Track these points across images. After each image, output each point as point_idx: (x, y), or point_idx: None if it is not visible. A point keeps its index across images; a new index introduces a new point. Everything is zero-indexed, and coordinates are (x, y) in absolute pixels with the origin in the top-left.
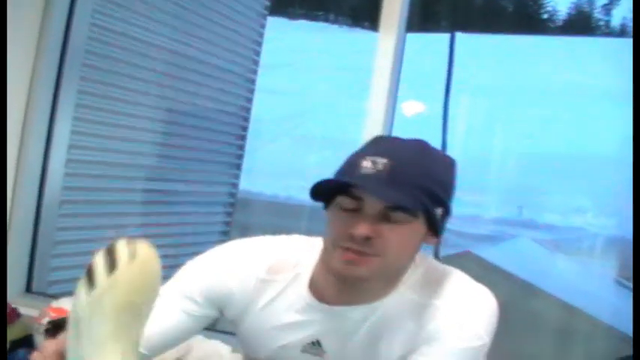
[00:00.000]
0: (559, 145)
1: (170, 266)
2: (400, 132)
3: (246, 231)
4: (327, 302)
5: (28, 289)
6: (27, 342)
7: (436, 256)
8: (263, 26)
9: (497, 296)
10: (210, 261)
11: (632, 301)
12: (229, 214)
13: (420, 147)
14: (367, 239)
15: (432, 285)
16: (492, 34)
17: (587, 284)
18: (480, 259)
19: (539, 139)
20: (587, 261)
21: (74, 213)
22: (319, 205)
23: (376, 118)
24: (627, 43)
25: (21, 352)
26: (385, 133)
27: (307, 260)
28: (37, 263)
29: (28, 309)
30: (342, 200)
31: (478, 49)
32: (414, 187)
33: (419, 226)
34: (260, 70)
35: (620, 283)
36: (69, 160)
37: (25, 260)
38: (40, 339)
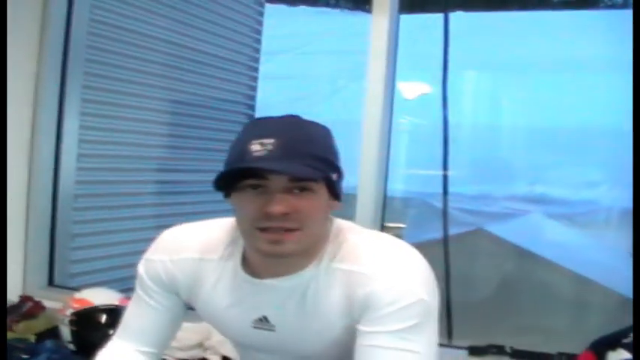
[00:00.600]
0: (568, 118)
1: None
2: (404, 114)
3: None
4: (259, 277)
5: (51, 282)
6: (53, 333)
7: (445, 236)
8: (261, 14)
9: (510, 271)
10: (151, 253)
11: (633, 301)
12: None
13: (296, 121)
14: (284, 215)
15: (356, 252)
16: (495, 11)
17: (600, 256)
18: (492, 236)
19: (547, 113)
20: (601, 234)
21: (89, 206)
22: None
23: (375, 100)
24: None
25: (48, 342)
26: (385, 115)
27: (239, 239)
28: (57, 257)
29: (51, 302)
30: (245, 184)
31: (481, 26)
32: (307, 157)
33: (323, 192)
34: (263, 58)
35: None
36: (80, 155)
37: (46, 254)
38: (64, 330)
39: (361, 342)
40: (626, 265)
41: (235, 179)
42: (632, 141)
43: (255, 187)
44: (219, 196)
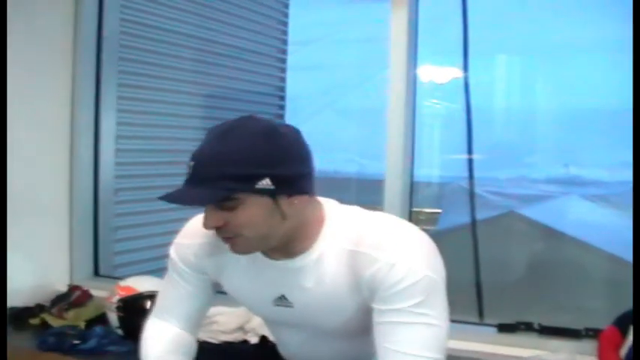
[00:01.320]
0: (601, 100)
1: None
2: (437, 98)
3: None
4: (272, 257)
5: (96, 273)
6: (101, 320)
7: (473, 219)
8: (286, 5)
9: (543, 252)
10: (181, 238)
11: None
12: None
13: (224, 134)
14: (216, 228)
15: (356, 230)
16: None
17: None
18: (525, 218)
19: (580, 95)
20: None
21: (129, 199)
22: (366, 176)
23: (397, 87)
24: None
25: (97, 328)
26: (408, 101)
27: None
28: (101, 249)
29: (97, 291)
30: None
31: (510, 9)
32: (212, 179)
33: (256, 201)
34: (291, 48)
35: None
36: (118, 150)
37: (90, 247)
38: (112, 316)
39: (377, 319)
40: None
41: None
42: (632, 140)
43: None
44: None
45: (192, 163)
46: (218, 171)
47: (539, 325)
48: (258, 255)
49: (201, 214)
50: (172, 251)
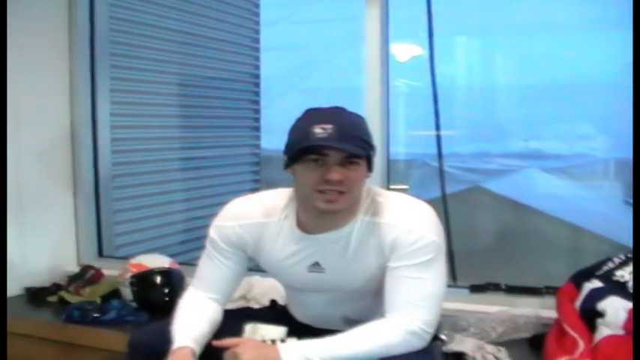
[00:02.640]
0: (559, 75)
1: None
2: (399, 77)
3: (274, 186)
4: (310, 233)
5: (100, 253)
6: (115, 295)
7: (443, 193)
8: None
9: (507, 223)
10: (221, 220)
11: (633, 297)
12: (256, 172)
13: (343, 111)
14: (339, 182)
15: (380, 207)
16: None
17: (595, 207)
18: (489, 192)
19: (539, 71)
20: (595, 185)
21: (125, 185)
22: None
23: (373, 66)
24: None
25: (114, 302)
26: (383, 79)
27: (290, 205)
28: (103, 231)
29: (105, 270)
30: (309, 158)
31: None
32: (357, 139)
33: (364, 165)
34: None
35: (628, 203)
36: (113, 139)
37: (94, 230)
38: (126, 291)
39: (390, 274)
40: (619, 213)
41: (300, 155)
42: (633, 141)
43: (316, 160)
44: (233, 168)
45: (330, 126)
46: (357, 135)
47: (506, 285)
48: (296, 232)
49: (237, 198)
50: (213, 232)
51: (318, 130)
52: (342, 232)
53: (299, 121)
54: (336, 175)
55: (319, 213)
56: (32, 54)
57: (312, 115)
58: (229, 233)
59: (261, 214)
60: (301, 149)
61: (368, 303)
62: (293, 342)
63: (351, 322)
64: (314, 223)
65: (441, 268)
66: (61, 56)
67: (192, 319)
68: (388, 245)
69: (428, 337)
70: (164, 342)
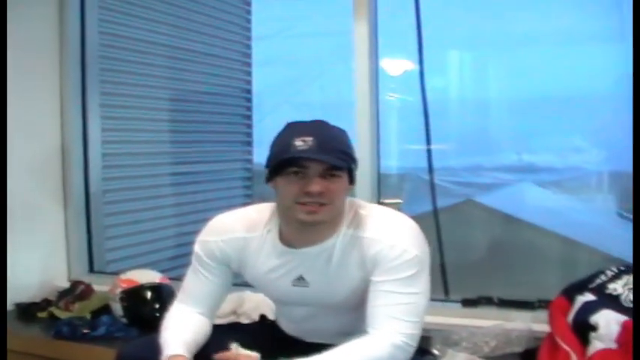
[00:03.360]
0: (551, 88)
1: None
2: (391, 91)
3: (266, 201)
4: (293, 247)
5: (91, 269)
6: (105, 311)
7: (435, 207)
8: (249, 3)
9: (499, 237)
10: (205, 235)
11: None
12: (249, 187)
13: (325, 124)
14: (320, 194)
15: (363, 221)
16: None
17: (588, 219)
18: (482, 206)
19: (530, 85)
20: (589, 198)
21: (116, 200)
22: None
23: (363, 80)
24: None
25: (104, 317)
26: (372, 93)
27: (273, 219)
28: (94, 246)
29: (95, 285)
30: (290, 170)
31: (460, 3)
32: (338, 152)
33: (345, 178)
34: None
35: (621, 216)
36: (104, 154)
37: (84, 245)
38: (116, 306)
39: (373, 288)
40: (612, 225)
41: (280, 167)
42: (632, 142)
43: (296, 173)
44: (225, 182)
45: (310, 138)
46: (337, 147)
47: (498, 298)
48: (279, 246)
49: (221, 214)
50: (197, 247)
51: (298, 143)
52: (325, 245)
53: (280, 134)
54: (316, 186)
55: (301, 225)
56: (23, 68)
57: (293, 128)
58: (213, 248)
59: (244, 228)
60: (281, 161)
61: (355, 316)
62: None
63: (340, 335)
64: (296, 236)
65: (424, 282)
66: (51, 71)
67: (182, 330)
68: (370, 259)
69: (411, 351)
70: (152, 355)
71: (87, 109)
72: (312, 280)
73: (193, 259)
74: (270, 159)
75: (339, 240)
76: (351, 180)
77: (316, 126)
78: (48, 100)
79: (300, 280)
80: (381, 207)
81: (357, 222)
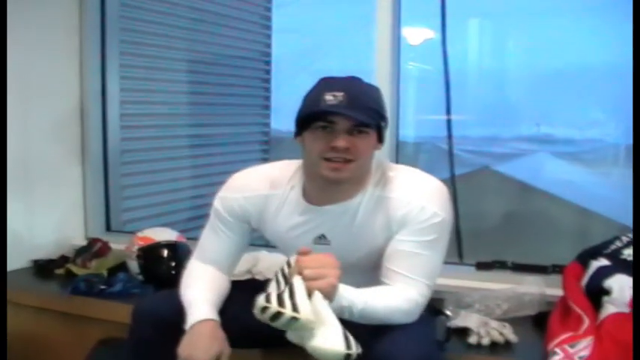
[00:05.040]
0: (570, 60)
1: None
2: (410, 60)
3: None
4: (317, 204)
5: (108, 228)
6: (121, 268)
7: (452, 174)
8: None
9: (515, 205)
10: (226, 192)
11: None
12: (266, 151)
13: (357, 81)
14: (346, 149)
15: (391, 182)
16: None
17: (604, 191)
18: (498, 174)
19: (550, 56)
20: (607, 171)
21: (134, 160)
22: None
23: (383, 48)
24: None
25: (120, 274)
26: (393, 62)
27: (297, 176)
28: (111, 206)
29: (112, 244)
30: (317, 125)
31: None
32: (367, 109)
33: (373, 136)
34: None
35: None
36: (122, 115)
37: (102, 205)
38: (132, 264)
39: (394, 246)
40: (629, 198)
41: (308, 121)
42: (633, 141)
43: (324, 127)
44: (242, 146)
45: (341, 94)
46: (367, 104)
47: (512, 262)
48: (302, 203)
49: (243, 170)
50: (217, 203)
51: (328, 97)
52: (349, 204)
53: (312, 88)
54: (342, 142)
55: (325, 183)
56: (42, 28)
57: (325, 83)
58: (233, 205)
59: (266, 186)
60: (310, 115)
61: (372, 275)
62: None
63: None
64: (320, 193)
65: (444, 245)
66: (71, 31)
67: (206, 290)
68: (397, 220)
69: (419, 311)
70: (168, 310)
71: (106, 69)
72: (333, 238)
73: (212, 215)
74: (299, 113)
75: (364, 199)
76: (380, 138)
77: (348, 81)
78: (67, 59)
79: (322, 239)
80: (410, 168)
81: (384, 182)
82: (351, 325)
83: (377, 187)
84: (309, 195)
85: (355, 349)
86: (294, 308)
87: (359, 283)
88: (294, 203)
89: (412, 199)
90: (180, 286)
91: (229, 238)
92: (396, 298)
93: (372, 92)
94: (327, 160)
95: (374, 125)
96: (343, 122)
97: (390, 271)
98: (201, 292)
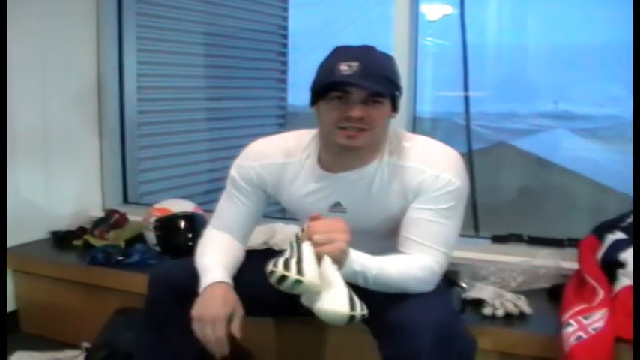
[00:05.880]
0: (589, 36)
1: None
2: (428, 36)
3: None
4: (332, 172)
5: (125, 200)
6: (138, 239)
7: (469, 149)
8: None
9: (532, 179)
10: (242, 160)
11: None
12: (282, 125)
13: (372, 50)
14: (361, 119)
15: (407, 151)
16: None
17: (621, 168)
18: (515, 149)
19: (569, 32)
20: (623, 147)
21: (150, 133)
22: None
23: (402, 23)
24: None
25: (138, 245)
26: (411, 37)
27: (312, 144)
28: (128, 179)
29: (129, 216)
30: (332, 95)
31: None
32: (382, 78)
33: (387, 105)
34: None
35: None
36: (139, 87)
37: (119, 177)
38: (149, 235)
39: (411, 215)
40: None
41: (323, 91)
42: (633, 140)
43: (339, 97)
44: (259, 120)
45: (356, 63)
46: (382, 73)
47: (528, 236)
48: (317, 170)
49: (260, 139)
50: (234, 171)
51: (343, 67)
52: (365, 171)
53: (326, 57)
54: (357, 112)
55: (340, 150)
56: (60, 1)
57: (340, 52)
58: (250, 173)
59: (281, 154)
60: (325, 85)
61: (386, 243)
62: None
63: None
64: (336, 160)
65: (460, 214)
66: (88, 3)
67: (220, 255)
68: (413, 189)
69: (437, 280)
70: (183, 275)
71: (123, 41)
72: (349, 206)
73: (228, 183)
74: (314, 82)
75: (380, 167)
76: (395, 107)
77: (363, 51)
78: (85, 31)
79: (337, 206)
80: (425, 138)
81: (400, 151)
82: (368, 292)
83: (392, 156)
84: (324, 162)
85: (360, 310)
86: (299, 271)
87: (374, 251)
88: (310, 171)
89: (427, 167)
90: (195, 254)
91: (245, 205)
92: (411, 265)
93: (387, 61)
94: (342, 128)
95: (388, 95)
96: (358, 92)
97: (407, 240)
98: (215, 257)
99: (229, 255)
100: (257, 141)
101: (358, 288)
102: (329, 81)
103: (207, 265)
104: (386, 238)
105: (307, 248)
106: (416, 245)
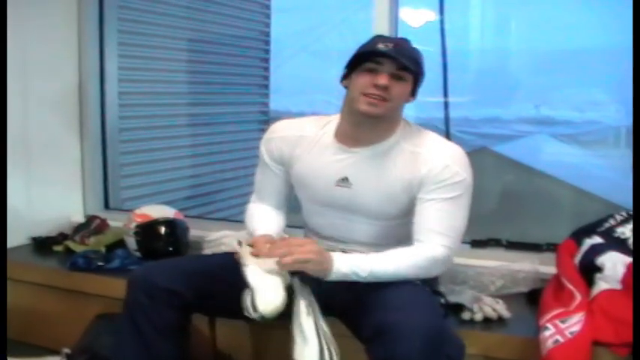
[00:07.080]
0: (571, 40)
1: (219, 178)
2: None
3: None
4: (347, 145)
5: (107, 206)
6: (119, 245)
7: None
8: None
9: (513, 185)
10: (268, 134)
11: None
12: (264, 131)
13: (408, 41)
14: (385, 88)
15: (417, 137)
16: None
17: (603, 173)
18: (497, 154)
19: (551, 36)
20: (606, 153)
21: (132, 138)
22: None
23: (381, 27)
24: None
25: (119, 251)
26: None
27: (330, 124)
28: (110, 184)
29: (110, 222)
30: (365, 67)
31: None
32: (412, 59)
33: (409, 85)
34: None
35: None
36: (121, 93)
37: (100, 183)
38: (130, 240)
39: (420, 204)
40: (628, 179)
41: (358, 62)
42: (633, 139)
43: (370, 70)
44: (241, 126)
45: (392, 44)
46: (413, 56)
47: (507, 241)
48: (333, 142)
49: (283, 120)
50: (262, 146)
51: (381, 45)
52: (378, 148)
53: (367, 41)
54: (384, 79)
55: (360, 120)
56: (41, 6)
57: (379, 37)
58: (271, 145)
59: (300, 128)
60: (360, 55)
61: (380, 229)
62: (341, 255)
63: (364, 247)
64: (353, 133)
65: (466, 205)
66: (70, 8)
67: (263, 223)
68: (421, 175)
69: (447, 266)
70: (160, 276)
71: (104, 46)
72: (355, 182)
73: (260, 158)
74: (350, 59)
75: (393, 148)
76: (414, 92)
77: (400, 39)
78: (66, 37)
79: (344, 181)
80: (433, 132)
81: (412, 137)
82: (356, 296)
83: (406, 140)
84: (341, 136)
85: None
86: (255, 309)
87: (371, 234)
88: (325, 144)
89: (437, 157)
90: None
91: (276, 176)
92: (414, 256)
93: (418, 52)
94: (367, 95)
95: (413, 74)
96: (389, 64)
97: (418, 228)
98: (259, 226)
99: (272, 223)
100: (282, 120)
101: (350, 287)
102: (366, 51)
103: (255, 227)
104: (384, 219)
105: (251, 273)
106: (427, 233)
